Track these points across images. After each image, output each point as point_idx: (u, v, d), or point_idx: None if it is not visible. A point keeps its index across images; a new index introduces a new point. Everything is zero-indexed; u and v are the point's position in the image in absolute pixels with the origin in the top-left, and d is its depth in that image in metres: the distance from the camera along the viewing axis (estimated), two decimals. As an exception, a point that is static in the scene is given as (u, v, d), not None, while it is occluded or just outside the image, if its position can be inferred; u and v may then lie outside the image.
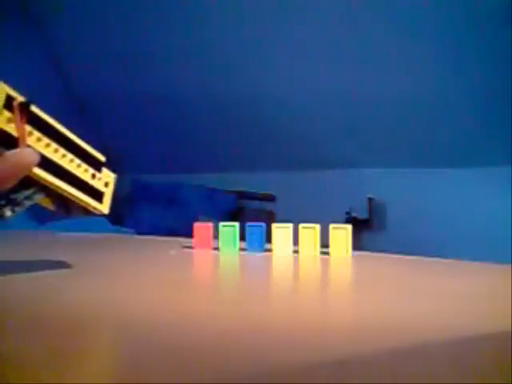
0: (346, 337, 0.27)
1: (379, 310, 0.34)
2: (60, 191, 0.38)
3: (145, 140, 3.11)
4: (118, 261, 0.60)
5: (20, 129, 0.33)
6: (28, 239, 0.89)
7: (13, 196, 0.36)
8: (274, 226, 0.68)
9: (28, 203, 0.37)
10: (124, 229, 2.34)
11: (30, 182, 0.36)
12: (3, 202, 0.35)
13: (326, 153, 2.85)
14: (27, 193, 0.36)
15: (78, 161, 0.40)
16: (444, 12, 2.15)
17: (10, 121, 0.33)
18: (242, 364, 0.22)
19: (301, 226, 0.65)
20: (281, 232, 0.67)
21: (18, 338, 0.25)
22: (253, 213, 2.99)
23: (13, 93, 0.34)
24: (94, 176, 0.42)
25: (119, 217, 2.76)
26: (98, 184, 0.42)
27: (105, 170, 0.44)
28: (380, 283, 0.47)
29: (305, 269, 0.58)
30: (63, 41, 2.90)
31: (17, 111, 0.33)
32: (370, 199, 2.90)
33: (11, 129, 0.33)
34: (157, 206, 3.03)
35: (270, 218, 3.02)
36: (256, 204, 3.12)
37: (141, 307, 0.33)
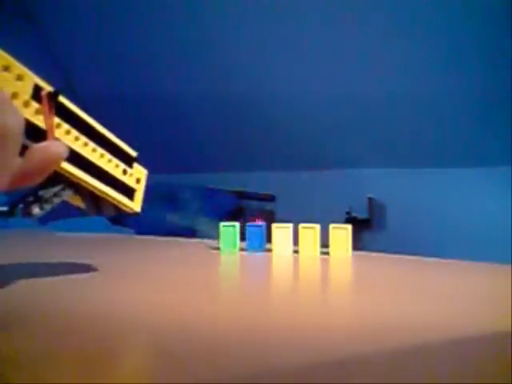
0: (346, 337, 0.27)
1: (379, 310, 0.34)
2: (90, 188, 0.36)
3: (145, 140, 3.10)
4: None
5: (48, 120, 0.31)
6: (33, 239, 0.89)
7: (41, 193, 0.34)
8: (274, 226, 0.68)
9: (57, 200, 0.35)
10: (124, 229, 2.34)
11: (57, 177, 0.34)
12: (31, 199, 0.34)
13: (326, 153, 2.85)
14: (55, 189, 0.34)
15: (108, 155, 0.38)
16: (444, 12, 2.15)
17: (37, 112, 0.31)
18: (242, 364, 0.22)
19: (301, 225, 0.65)
20: (281, 232, 0.67)
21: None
22: (253, 213, 2.99)
23: (41, 82, 0.31)
24: (125, 172, 0.40)
25: (119, 217, 2.76)
26: (129, 180, 0.40)
27: (136, 166, 0.41)
28: (380, 283, 0.47)
29: (305, 269, 0.58)
30: (63, 41, 2.90)
31: (45, 102, 0.31)
32: (370, 199, 2.90)
33: (39, 121, 0.31)
34: (157, 206, 3.03)
35: (270, 218, 3.02)
36: (256, 204, 3.12)
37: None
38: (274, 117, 2.84)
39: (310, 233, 0.66)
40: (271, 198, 3.15)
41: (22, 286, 0.38)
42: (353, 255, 0.65)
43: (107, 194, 0.38)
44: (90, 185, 0.36)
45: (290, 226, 0.67)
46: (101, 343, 0.24)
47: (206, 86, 2.81)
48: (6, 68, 0.28)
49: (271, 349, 0.24)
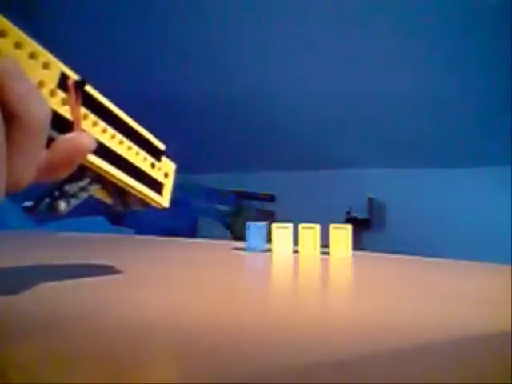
0: (346, 337, 0.27)
1: (379, 310, 0.34)
2: (117, 182, 0.34)
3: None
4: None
5: (75, 111, 0.29)
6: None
7: (66, 187, 0.32)
8: (274, 225, 0.68)
9: (84, 195, 0.33)
10: (124, 229, 2.34)
11: (84, 171, 0.32)
12: (57, 194, 0.32)
13: (326, 153, 2.85)
14: (82, 183, 0.33)
15: (136, 148, 0.36)
16: (445, 12, 2.15)
17: (64, 102, 0.29)
18: (242, 364, 0.22)
19: (301, 225, 0.65)
20: (281, 232, 0.67)
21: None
22: (253, 213, 2.99)
23: (67, 70, 0.29)
24: (153, 165, 0.38)
25: (118, 216, 2.76)
26: (157, 174, 0.38)
27: (164, 159, 0.39)
28: (380, 283, 0.47)
29: (304, 269, 0.58)
30: (63, 41, 2.91)
31: (71, 91, 0.29)
32: (370, 199, 2.90)
33: (65, 111, 0.29)
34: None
35: (270, 218, 3.02)
36: (256, 204, 3.12)
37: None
38: (274, 117, 2.84)
39: (310, 233, 0.66)
40: (271, 198, 3.16)
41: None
42: (353, 255, 0.64)
43: (135, 189, 0.36)
44: (117, 179, 0.34)
45: (290, 226, 0.67)
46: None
47: (206, 87, 2.81)
48: (33, 55, 0.27)
49: (271, 348, 0.24)
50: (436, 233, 2.62)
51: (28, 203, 0.31)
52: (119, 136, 0.34)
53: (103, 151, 0.32)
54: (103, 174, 0.33)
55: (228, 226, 2.97)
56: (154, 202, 0.38)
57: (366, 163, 2.83)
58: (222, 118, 2.95)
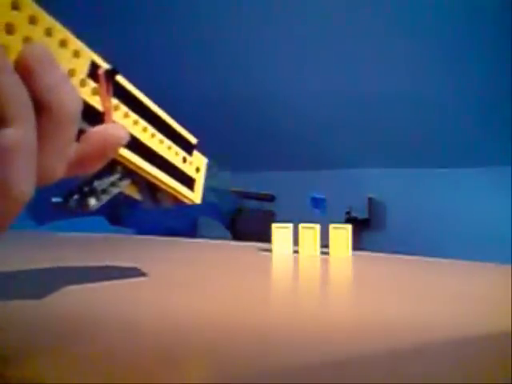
0: (346, 337, 0.27)
1: (379, 310, 0.34)
2: (149, 177, 0.33)
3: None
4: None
5: (106, 102, 0.28)
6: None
7: (96, 183, 0.31)
8: (274, 226, 0.68)
9: (114, 191, 0.31)
10: (124, 229, 2.34)
11: (113, 165, 0.30)
12: (86, 190, 0.30)
13: (326, 153, 2.85)
14: (112, 179, 0.31)
15: (167, 142, 0.34)
16: (445, 12, 2.15)
17: (94, 92, 0.27)
18: (243, 364, 0.22)
19: (301, 225, 0.65)
20: (281, 232, 0.67)
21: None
22: (253, 213, 2.99)
23: (98, 59, 0.28)
24: (184, 160, 0.36)
25: (118, 216, 2.76)
26: (188, 169, 0.37)
27: (195, 154, 0.38)
28: (380, 283, 0.47)
29: (304, 269, 0.58)
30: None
31: (102, 81, 0.28)
32: (370, 199, 2.90)
33: (96, 102, 0.27)
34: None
35: (270, 218, 3.02)
36: (256, 204, 3.12)
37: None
38: (274, 117, 2.84)
39: (310, 233, 0.66)
40: (271, 198, 3.15)
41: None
42: (353, 255, 0.64)
43: (167, 185, 0.34)
44: (149, 174, 0.32)
45: (290, 226, 0.67)
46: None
47: (206, 87, 2.81)
48: (63, 43, 0.25)
49: (270, 348, 0.24)
50: (436, 233, 2.62)
51: (56, 199, 0.30)
52: (151, 129, 0.32)
53: (135, 145, 0.30)
54: (135, 168, 0.31)
55: (228, 226, 2.97)
56: (186, 198, 0.37)
57: (366, 163, 2.83)
58: (222, 118, 2.95)
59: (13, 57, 0.21)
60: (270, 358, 0.23)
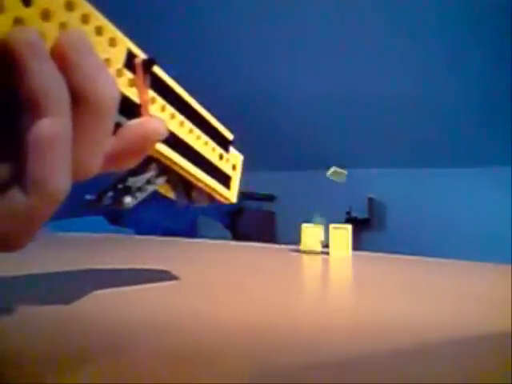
0: (346, 337, 0.27)
1: (379, 310, 0.34)
2: (185, 174, 0.31)
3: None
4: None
5: (143, 94, 0.26)
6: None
7: (131, 179, 0.29)
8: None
9: (150, 188, 0.30)
10: (123, 229, 2.34)
11: (148, 162, 0.29)
12: (121, 187, 0.29)
13: (326, 153, 2.85)
14: (148, 176, 0.30)
15: (204, 138, 0.32)
16: (445, 12, 2.15)
17: (131, 84, 0.25)
18: (242, 364, 0.22)
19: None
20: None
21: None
22: (253, 213, 2.99)
23: (134, 48, 0.26)
24: (221, 157, 0.34)
25: (117, 216, 2.76)
26: (225, 167, 0.35)
27: (232, 150, 0.36)
28: (380, 283, 0.47)
29: (304, 268, 0.58)
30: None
31: (139, 72, 0.26)
32: (370, 199, 2.90)
33: (133, 94, 0.25)
34: (156, 206, 3.03)
35: (270, 218, 3.02)
36: (256, 204, 3.12)
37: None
38: (274, 117, 2.84)
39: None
40: (271, 198, 3.15)
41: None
42: (353, 255, 0.64)
43: (203, 182, 0.33)
44: (186, 171, 0.31)
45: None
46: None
47: (206, 87, 2.81)
48: (99, 30, 0.24)
49: (270, 348, 0.24)
50: (436, 233, 2.62)
51: (90, 196, 0.29)
52: (188, 123, 0.30)
53: (171, 140, 0.28)
54: (170, 165, 0.29)
55: (228, 226, 2.97)
56: (222, 196, 0.35)
57: (366, 163, 2.83)
58: (221, 118, 2.94)
59: (49, 44, 0.20)
60: (269, 358, 0.23)
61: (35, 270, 0.44)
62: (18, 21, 0.19)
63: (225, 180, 0.35)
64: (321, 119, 2.75)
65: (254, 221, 3.08)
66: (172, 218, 2.77)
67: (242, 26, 2.53)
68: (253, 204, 3.12)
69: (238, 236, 2.84)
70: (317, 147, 2.85)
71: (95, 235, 0.93)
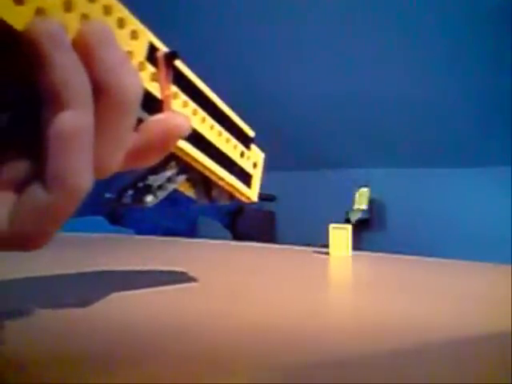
0: (346, 337, 0.27)
1: (379, 310, 0.34)
2: (207, 172, 0.30)
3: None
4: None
5: (165, 88, 0.25)
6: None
7: (152, 178, 0.28)
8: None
9: (171, 186, 0.29)
10: (124, 229, 2.34)
11: (168, 159, 0.28)
12: (141, 185, 0.29)
13: (326, 153, 2.85)
14: (169, 174, 0.29)
15: (226, 134, 0.31)
16: (445, 12, 2.15)
17: (153, 78, 0.24)
18: (243, 365, 0.22)
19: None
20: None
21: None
22: (253, 213, 2.98)
23: (155, 41, 0.25)
24: (242, 154, 0.34)
25: (117, 216, 2.76)
26: (246, 164, 0.34)
27: (253, 148, 0.35)
28: (380, 283, 0.47)
29: (304, 268, 0.58)
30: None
31: (161, 65, 0.25)
32: (370, 199, 2.90)
33: (155, 88, 0.24)
34: (156, 206, 3.03)
35: (270, 218, 3.02)
36: (256, 204, 3.11)
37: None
38: (275, 117, 2.84)
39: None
40: (271, 198, 3.15)
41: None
42: (353, 255, 0.64)
43: (224, 180, 0.32)
44: (208, 169, 0.30)
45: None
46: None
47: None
48: (121, 22, 0.23)
49: (270, 347, 0.24)
50: (436, 233, 2.62)
51: (109, 195, 0.28)
52: (210, 120, 0.29)
53: (193, 137, 0.27)
54: (192, 163, 0.28)
55: (228, 226, 2.97)
56: (243, 195, 0.35)
57: (366, 163, 2.83)
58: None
59: (71, 35, 0.20)
60: (269, 357, 0.23)
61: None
62: (39, 11, 0.19)
63: (246, 178, 0.35)
64: (321, 119, 2.75)
65: (254, 221, 3.08)
66: (172, 217, 2.77)
67: (242, 25, 2.53)
68: (253, 204, 3.11)
69: (238, 236, 2.83)
70: (317, 147, 2.84)
71: (95, 235, 0.93)
